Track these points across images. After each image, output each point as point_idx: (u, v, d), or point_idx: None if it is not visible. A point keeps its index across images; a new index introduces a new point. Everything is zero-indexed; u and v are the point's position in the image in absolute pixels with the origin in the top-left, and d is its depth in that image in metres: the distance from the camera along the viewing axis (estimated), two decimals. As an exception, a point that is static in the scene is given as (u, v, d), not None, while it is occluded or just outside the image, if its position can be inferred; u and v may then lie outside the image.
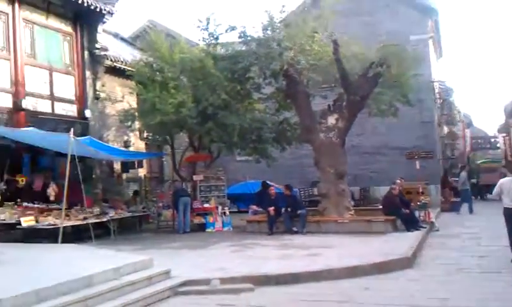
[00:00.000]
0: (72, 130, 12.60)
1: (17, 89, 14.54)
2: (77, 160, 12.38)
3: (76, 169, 12.52)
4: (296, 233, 14.14)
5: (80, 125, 16.01)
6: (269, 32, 15.37)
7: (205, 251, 11.97)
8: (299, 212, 14.60)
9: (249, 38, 15.81)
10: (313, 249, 11.38)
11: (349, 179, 16.20)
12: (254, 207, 16.83)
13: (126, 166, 18.36)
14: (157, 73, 16.20)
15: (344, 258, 10.05)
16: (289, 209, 14.74)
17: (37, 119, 14.81)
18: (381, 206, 16.10)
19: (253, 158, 18.86)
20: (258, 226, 15.28)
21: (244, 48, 16.10)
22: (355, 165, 18.18)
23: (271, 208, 14.68)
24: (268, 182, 17.48)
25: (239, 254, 11.35)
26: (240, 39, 16.13)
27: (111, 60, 17.91)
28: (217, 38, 16.60)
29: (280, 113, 17.67)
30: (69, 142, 12.23)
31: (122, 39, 23.37)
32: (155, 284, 8.14)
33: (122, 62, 18.34)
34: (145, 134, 19.20)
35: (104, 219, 14.56)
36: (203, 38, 16.65)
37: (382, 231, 13.74)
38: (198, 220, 16.37)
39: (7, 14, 14.52)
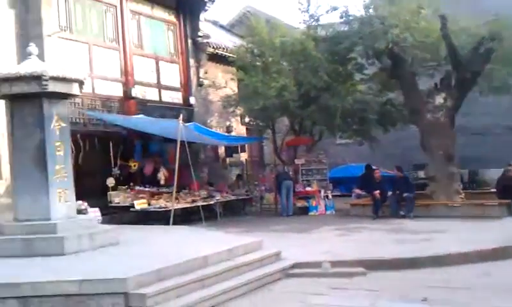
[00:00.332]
0: (181, 116, 13.01)
1: (127, 79, 15.20)
2: (186, 145, 12.78)
3: (185, 154, 12.95)
4: (403, 217, 13.71)
5: (186, 111, 16.48)
6: (371, 10, 14.92)
7: (310, 234, 11.94)
8: (405, 195, 14.10)
9: (351, 18, 15.44)
10: (424, 233, 10.98)
11: (457, 161, 15.44)
12: (357, 191, 16.51)
13: (229, 151, 18.73)
14: (258, 58, 16.33)
15: (459, 242, 9.59)
16: (398, 192, 14.30)
17: (146, 107, 15.44)
18: (493, 190, 15.24)
19: (353, 141, 18.55)
20: (362, 210, 14.99)
21: (345, 28, 15.78)
22: (462, 147, 17.23)
23: (377, 192, 14.32)
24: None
25: (345, 237, 11.22)
26: (341, 20, 15.79)
27: (213, 47, 18.26)
28: (317, 20, 16.40)
29: (383, 94, 17.16)
30: (178, 128, 12.65)
31: (221, 26, 23.80)
32: (266, 266, 8.21)
33: (223, 49, 18.66)
34: (246, 119, 19.45)
35: (211, 202, 15.00)
36: (304, 20, 16.56)
37: (497, 216, 12.99)
38: (300, 203, 16.36)
39: (115, 6, 15.15)
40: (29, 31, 12.53)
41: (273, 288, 7.61)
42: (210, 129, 16.75)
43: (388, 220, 13.35)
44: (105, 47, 14.72)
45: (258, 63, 16.21)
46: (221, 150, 18.87)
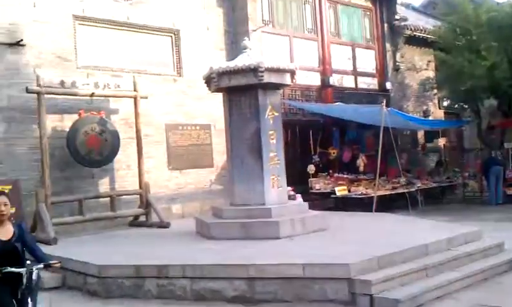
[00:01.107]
0: (385, 101, 12.80)
1: (324, 68, 15.41)
2: (390, 131, 12.53)
3: (385, 140, 12.72)
4: None
5: (382, 97, 16.17)
6: None
7: (528, 225, 10.87)
8: None
9: None
10: None
11: None
12: None
13: (429, 136, 17.95)
14: (461, 36, 15.32)
15: None
16: None
17: (342, 95, 15.55)
18: None
19: None
20: None
21: None
22: None
23: None
24: None
25: None
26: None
27: (411, 30, 17.66)
28: (532, -10, 14.86)
29: None
30: (382, 114, 12.44)
31: (413, 8, 22.93)
32: (489, 257, 7.63)
33: (421, 30, 17.91)
34: (445, 102, 18.44)
35: (412, 189, 14.49)
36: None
37: None
38: (511, 191, 15.03)
39: (314, -3, 15.44)
40: (236, 27, 13.36)
41: (501, 281, 7.03)
42: (407, 114, 16.20)
43: None
44: (304, 38, 15.10)
45: (460, 42, 15.19)
46: (420, 135, 18.17)
